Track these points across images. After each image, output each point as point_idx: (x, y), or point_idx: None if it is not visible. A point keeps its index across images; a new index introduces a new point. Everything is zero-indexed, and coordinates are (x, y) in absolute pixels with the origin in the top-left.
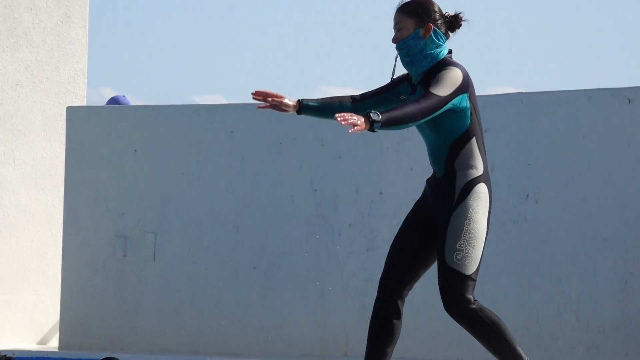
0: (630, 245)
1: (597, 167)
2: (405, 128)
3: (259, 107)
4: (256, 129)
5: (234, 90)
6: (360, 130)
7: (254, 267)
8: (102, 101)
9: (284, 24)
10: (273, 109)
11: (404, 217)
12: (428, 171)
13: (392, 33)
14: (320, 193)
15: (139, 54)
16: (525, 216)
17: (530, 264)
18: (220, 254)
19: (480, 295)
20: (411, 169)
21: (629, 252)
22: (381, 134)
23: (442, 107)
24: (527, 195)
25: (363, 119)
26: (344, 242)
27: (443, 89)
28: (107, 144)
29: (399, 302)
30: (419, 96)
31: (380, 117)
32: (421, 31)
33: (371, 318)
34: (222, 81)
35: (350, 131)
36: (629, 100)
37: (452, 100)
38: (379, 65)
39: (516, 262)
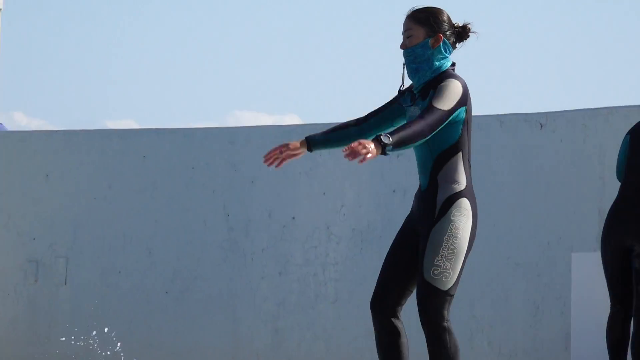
0: (541, 270)
1: (509, 191)
2: (414, 146)
3: (277, 167)
4: (168, 154)
5: (145, 115)
6: (373, 157)
7: (166, 292)
8: (14, 126)
9: (196, 48)
10: (288, 159)
11: (316, 242)
12: (340, 195)
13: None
14: (232, 218)
15: (50, 79)
16: None
17: None
18: (132, 279)
19: None
20: (323, 193)
21: (541, 277)
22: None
23: (446, 120)
24: None
25: (373, 145)
26: (257, 267)
27: (446, 102)
28: (19, 169)
29: (393, 318)
30: (422, 111)
31: (391, 139)
32: (430, 41)
33: (375, 339)
34: (133, 106)
35: (359, 162)
36: (541, 126)
37: (453, 113)
38: (289, 88)
39: None
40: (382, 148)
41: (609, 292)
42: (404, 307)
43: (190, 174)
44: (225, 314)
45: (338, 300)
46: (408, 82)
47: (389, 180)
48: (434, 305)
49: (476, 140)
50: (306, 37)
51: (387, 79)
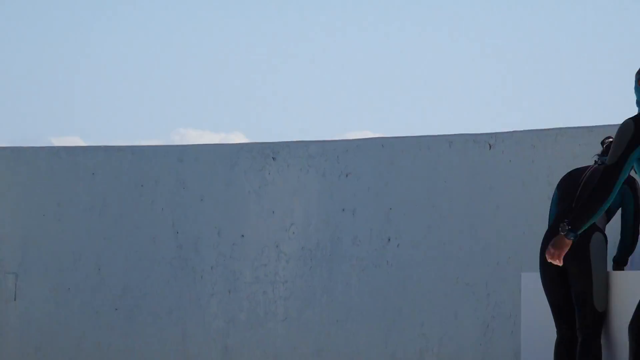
0: (491, 289)
1: (458, 212)
2: (601, 213)
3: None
4: (117, 171)
5: (90, 131)
6: (564, 251)
7: (116, 309)
8: None
9: (138, 64)
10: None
11: (265, 260)
12: (289, 214)
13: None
14: (182, 235)
15: None
16: (387, 260)
17: (392, 307)
18: (81, 295)
19: (343, 338)
20: (273, 212)
21: (491, 296)
22: (242, 176)
23: (617, 174)
24: (389, 239)
25: (559, 241)
26: (206, 284)
27: (610, 156)
28: None
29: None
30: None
31: (569, 226)
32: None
33: None
34: (78, 122)
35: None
36: (490, 146)
37: (626, 159)
38: (234, 105)
39: (378, 305)
40: (569, 235)
41: (553, 317)
42: None
43: (139, 191)
44: (175, 331)
45: (288, 318)
46: None
47: (338, 199)
48: None
49: (425, 161)
50: (251, 54)
51: (335, 97)
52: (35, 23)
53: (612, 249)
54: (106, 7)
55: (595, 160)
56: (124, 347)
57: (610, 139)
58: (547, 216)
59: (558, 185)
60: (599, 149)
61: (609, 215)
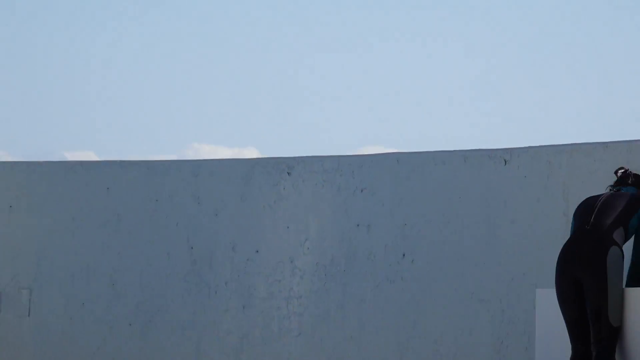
0: (505, 305)
1: (473, 227)
2: None
3: None
4: (132, 186)
5: (104, 146)
6: None
7: (130, 324)
8: None
9: (153, 78)
10: None
11: (280, 276)
12: (304, 229)
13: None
14: (196, 250)
15: (8, 108)
16: (402, 275)
17: (406, 322)
18: (96, 310)
19: (357, 354)
20: (287, 227)
21: (505, 312)
22: (256, 190)
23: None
24: (404, 255)
25: None
26: (220, 300)
27: None
28: None
29: None
30: None
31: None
32: None
33: None
34: (92, 137)
35: None
36: (505, 162)
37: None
38: (248, 121)
39: (393, 321)
40: None
41: (568, 333)
42: None
43: (154, 206)
44: (189, 347)
45: (302, 334)
46: None
47: (353, 215)
48: None
49: (440, 176)
50: (265, 69)
51: (347, 114)
52: (49, 38)
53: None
54: (122, 23)
55: (609, 188)
56: None
57: (622, 170)
58: (562, 232)
59: (574, 213)
60: (614, 165)
61: (628, 234)
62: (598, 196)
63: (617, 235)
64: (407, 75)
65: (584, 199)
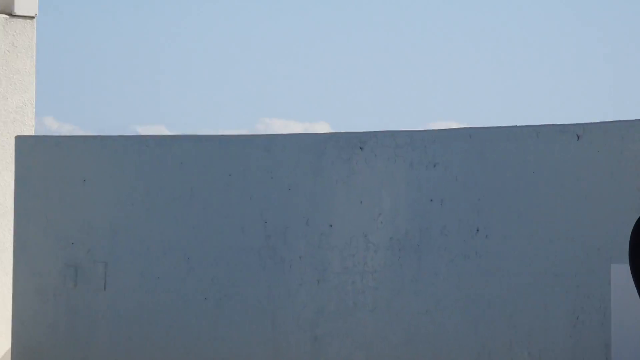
0: (580, 281)
1: (546, 202)
2: None
3: None
4: (205, 161)
5: (175, 120)
6: None
7: (205, 298)
8: (45, 131)
9: (223, 53)
10: None
11: (354, 250)
12: (377, 204)
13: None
14: (270, 225)
15: (81, 83)
16: (476, 250)
17: (481, 298)
18: (170, 285)
19: (432, 328)
20: (360, 202)
21: (580, 288)
22: (329, 165)
23: None
24: (477, 230)
25: None
26: (295, 274)
27: None
28: (56, 174)
29: None
30: None
31: None
32: None
33: None
34: (163, 111)
35: None
36: (578, 137)
37: None
38: (319, 95)
39: (467, 297)
40: None
41: None
42: None
43: (227, 181)
44: (264, 320)
45: (377, 308)
46: None
47: (426, 190)
48: None
49: (512, 152)
50: (335, 44)
51: (418, 89)
52: (121, 13)
53: None
54: None
55: None
56: (214, 337)
57: None
58: (636, 207)
59: None
60: None
61: None
62: None
63: None
64: (478, 50)
65: None
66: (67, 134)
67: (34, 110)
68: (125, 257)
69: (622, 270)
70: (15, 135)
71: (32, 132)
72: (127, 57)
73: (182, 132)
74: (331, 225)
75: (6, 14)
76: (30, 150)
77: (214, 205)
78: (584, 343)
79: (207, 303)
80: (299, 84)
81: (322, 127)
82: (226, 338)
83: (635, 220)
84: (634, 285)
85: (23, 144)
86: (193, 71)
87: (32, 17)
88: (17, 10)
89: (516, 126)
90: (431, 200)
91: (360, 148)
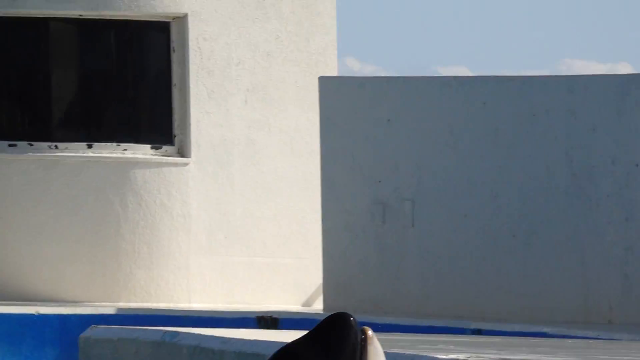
0: None
1: None
2: None
3: None
4: (508, 101)
5: (477, 61)
6: None
7: (513, 236)
8: (347, 71)
9: None
10: None
11: None
12: None
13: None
14: (575, 164)
15: (382, 24)
16: None
17: None
18: (478, 222)
19: None
20: None
21: None
22: (633, 106)
23: None
24: None
25: None
26: (602, 213)
27: None
28: (359, 114)
29: None
30: None
31: None
32: None
33: None
34: (465, 52)
35: None
36: None
37: None
38: (620, 36)
39: None
40: None
41: None
42: None
43: (531, 121)
44: (573, 258)
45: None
46: None
47: None
48: None
49: None
50: None
51: None
52: None
53: None
54: None
55: None
56: (523, 273)
57: None
58: None
59: None
60: None
61: None
62: None
63: None
64: None
65: None
66: (369, 74)
67: (336, 51)
68: (432, 195)
69: None
70: (319, 76)
71: (334, 73)
72: None
73: (483, 72)
74: (637, 165)
75: None
76: (334, 91)
77: (518, 144)
78: None
79: (515, 240)
80: (602, 24)
81: (624, 68)
82: (536, 274)
83: None
84: None
85: (327, 84)
86: (494, 11)
87: None
88: None
89: None
90: None
91: None
